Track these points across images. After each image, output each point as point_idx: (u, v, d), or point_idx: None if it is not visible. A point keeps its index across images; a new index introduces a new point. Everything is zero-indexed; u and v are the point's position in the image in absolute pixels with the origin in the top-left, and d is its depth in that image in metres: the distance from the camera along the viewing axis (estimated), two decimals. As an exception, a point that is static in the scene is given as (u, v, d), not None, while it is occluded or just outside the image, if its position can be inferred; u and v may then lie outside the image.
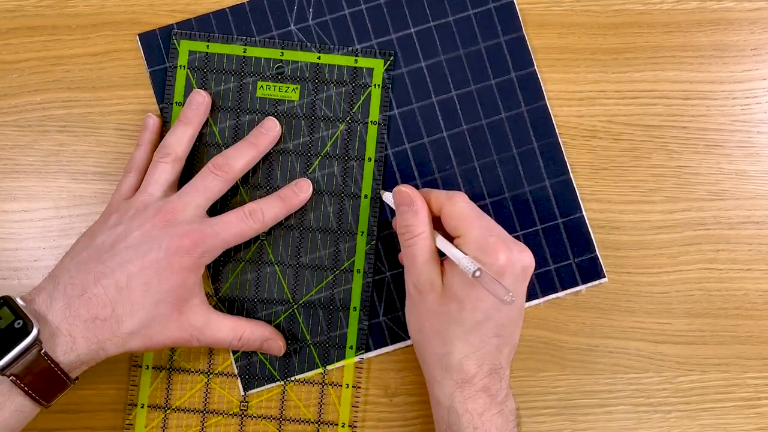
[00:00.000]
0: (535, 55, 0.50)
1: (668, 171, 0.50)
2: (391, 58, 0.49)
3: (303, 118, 0.49)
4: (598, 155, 0.50)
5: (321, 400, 0.49)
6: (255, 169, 0.49)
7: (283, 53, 0.49)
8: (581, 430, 0.50)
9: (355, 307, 0.49)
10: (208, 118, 0.49)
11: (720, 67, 0.50)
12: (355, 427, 0.49)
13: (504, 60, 0.50)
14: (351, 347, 0.49)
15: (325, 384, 0.49)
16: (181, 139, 0.47)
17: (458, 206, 0.43)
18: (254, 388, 0.49)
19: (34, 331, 0.39)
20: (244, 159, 0.47)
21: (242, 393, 0.49)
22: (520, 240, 0.48)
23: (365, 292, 0.49)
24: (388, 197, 0.48)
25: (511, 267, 0.42)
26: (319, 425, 0.49)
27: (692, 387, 0.50)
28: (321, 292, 0.49)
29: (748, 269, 0.50)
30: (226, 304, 0.49)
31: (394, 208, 0.46)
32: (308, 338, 0.49)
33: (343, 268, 0.49)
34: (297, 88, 0.49)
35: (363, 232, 0.49)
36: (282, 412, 0.49)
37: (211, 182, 0.45)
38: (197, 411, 0.49)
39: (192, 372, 0.49)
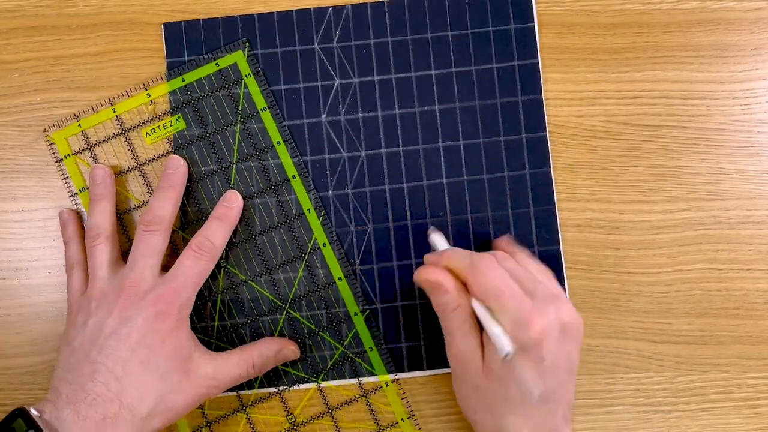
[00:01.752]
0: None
1: (668, 171, 0.50)
2: (247, 44, 0.49)
3: (201, 140, 0.49)
4: (598, 155, 0.50)
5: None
6: (183, 209, 0.49)
7: (149, 93, 0.49)
8: (581, 430, 0.50)
9: (340, 278, 0.49)
10: (118, 188, 0.49)
11: (720, 67, 0.50)
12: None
13: (518, 120, 0.49)
14: (355, 314, 0.49)
15: (366, 394, 0.49)
16: (103, 217, 0.47)
17: (484, 279, 0.41)
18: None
19: None
20: (169, 204, 0.46)
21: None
22: None
23: (341, 261, 0.49)
24: (435, 239, 0.46)
25: (548, 332, 0.40)
26: (366, 396, 0.49)
27: (692, 387, 0.50)
28: (303, 280, 0.49)
29: (748, 269, 0.50)
30: (225, 339, 0.49)
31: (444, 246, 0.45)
32: (315, 329, 0.49)
33: (309, 249, 0.49)
34: (179, 117, 0.49)
35: (309, 209, 0.49)
36: (328, 406, 0.49)
37: (151, 240, 0.45)
38: None
39: (229, 415, 0.49)
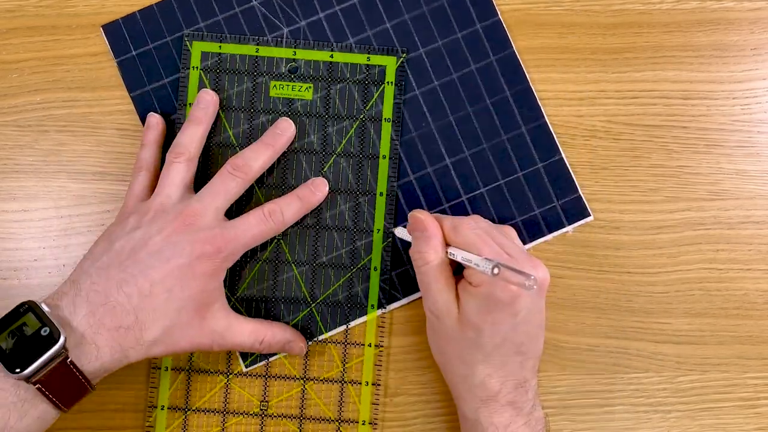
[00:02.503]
0: (534, 55, 0.50)
1: (668, 171, 0.50)
2: (404, 55, 0.49)
3: (317, 117, 0.49)
4: (598, 155, 0.50)
5: (341, 399, 0.49)
6: (270, 169, 0.49)
7: (295, 52, 0.49)
8: (581, 430, 0.50)
9: (373, 305, 0.49)
10: (221, 119, 0.49)
11: (720, 67, 0.50)
12: (376, 424, 0.49)
13: (468, 11, 0.50)
14: (370, 345, 0.49)
15: (345, 382, 0.49)
16: (192, 139, 0.46)
17: (463, 236, 0.43)
18: (256, 363, 0.49)
19: (62, 340, 0.38)
20: (262, 159, 0.46)
21: (243, 368, 0.49)
22: (502, 188, 0.49)
23: (383, 289, 0.49)
24: (400, 232, 0.48)
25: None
26: (339, 423, 0.49)
27: (692, 387, 0.50)
28: (339, 291, 0.49)
29: (748, 269, 0.50)
30: (244, 303, 0.49)
31: (408, 240, 0.46)
32: (326, 336, 0.49)
33: (360, 266, 0.49)
34: (310, 87, 0.49)
35: (379, 230, 0.49)
36: (302, 411, 0.49)
37: (230, 184, 0.45)
38: (217, 412, 0.49)
39: (211, 373, 0.49)
